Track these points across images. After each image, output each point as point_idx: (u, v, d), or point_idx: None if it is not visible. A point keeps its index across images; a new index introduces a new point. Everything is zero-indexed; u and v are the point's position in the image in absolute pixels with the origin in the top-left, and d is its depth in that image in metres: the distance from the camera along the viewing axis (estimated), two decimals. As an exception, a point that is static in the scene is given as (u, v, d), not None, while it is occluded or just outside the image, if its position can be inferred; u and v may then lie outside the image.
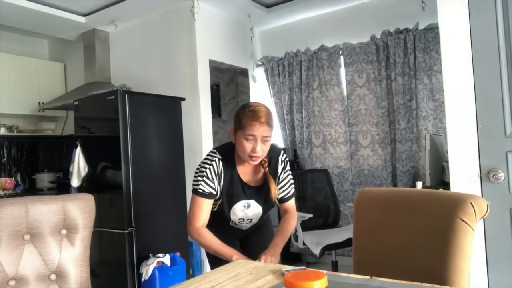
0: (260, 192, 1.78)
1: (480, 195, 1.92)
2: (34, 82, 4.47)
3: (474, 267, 1.41)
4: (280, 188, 1.80)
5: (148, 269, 2.91)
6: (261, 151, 1.64)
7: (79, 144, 3.31)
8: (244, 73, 4.44)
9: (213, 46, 3.84)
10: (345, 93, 3.90)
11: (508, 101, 1.89)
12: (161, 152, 3.33)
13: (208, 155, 1.75)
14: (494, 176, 1.90)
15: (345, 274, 1.21)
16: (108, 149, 3.17)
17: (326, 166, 3.96)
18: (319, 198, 3.60)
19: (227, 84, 4.73)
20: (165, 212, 3.29)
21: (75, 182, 3.30)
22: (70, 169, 3.35)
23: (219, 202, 1.76)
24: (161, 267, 2.94)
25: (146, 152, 3.21)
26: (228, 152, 1.74)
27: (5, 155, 4.44)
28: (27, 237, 1.42)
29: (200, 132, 3.61)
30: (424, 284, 1.07)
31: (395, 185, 3.62)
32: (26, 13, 3.71)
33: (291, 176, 1.84)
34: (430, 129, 3.43)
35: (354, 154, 3.88)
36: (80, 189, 3.30)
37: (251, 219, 1.82)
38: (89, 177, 3.29)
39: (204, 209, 1.70)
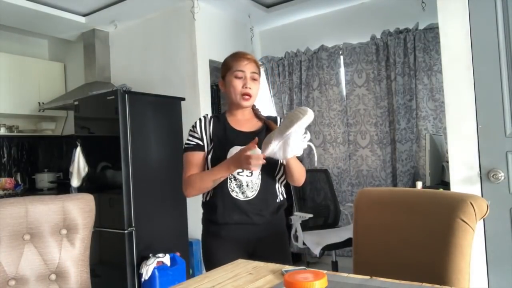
0: (258, 136, 1.54)
1: (480, 195, 1.92)
2: (34, 82, 4.47)
3: (474, 267, 1.41)
4: None
5: (148, 269, 2.91)
6: (252, 89, 1.63)
7: (79, 144, 3.31)
8: (244, 73, 4.43)
9: (213, 46, 3.84)
10: (344, 93, 3.90)
11: (508, 101, 1.89)
12: (161, 152, 3.33)
13: None
14: (494, 176, 1.90)
15: (345, 274, 1.21)
16: (108, 149, 3.17)
17: (326, 166, 3.95)
18: (319, 198, 3.60)
19: (227, 84, 4.72)
20: (165, 212, 3.29)
21: (75, 182, 3.30)
22: (70, 169, 3.36)
23: (211, 154, 1.62)
24: (161, 267, 2.94)
25: (146, 152, 3.21)
26: (219, 113, 1.73)
27: (5, 155, 4.44)
28: (27, 237, 1.42)
29: (200, 132, 3.60)
30: (424, 284, 1.07)
31: (395, 185, 3.62)
32: (26, 13, 3.71)
33: None
34: (430, 129, 3.43)
35: (353, 155, 3.87)
36: (80, 189, 3.30)
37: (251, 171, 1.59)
38: (89, 177, 3.29)
39: (193, 164, 1.62)
